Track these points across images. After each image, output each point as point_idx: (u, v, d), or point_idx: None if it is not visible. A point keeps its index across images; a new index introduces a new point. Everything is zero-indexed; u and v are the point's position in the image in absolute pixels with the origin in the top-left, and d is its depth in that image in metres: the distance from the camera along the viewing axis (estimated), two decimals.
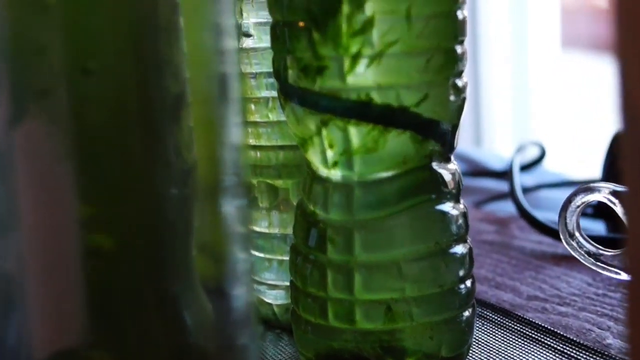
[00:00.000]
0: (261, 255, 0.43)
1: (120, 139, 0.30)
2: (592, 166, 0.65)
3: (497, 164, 0.77)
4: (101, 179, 0.31)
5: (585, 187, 0.41)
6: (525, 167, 0.71)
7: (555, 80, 1.76)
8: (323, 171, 0.37)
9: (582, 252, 0.41)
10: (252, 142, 0.43)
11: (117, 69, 0.30)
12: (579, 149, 1.73)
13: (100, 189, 0.31)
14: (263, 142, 0.43)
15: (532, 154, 0.74)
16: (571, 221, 0.41)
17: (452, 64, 0.36)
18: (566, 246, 0.42)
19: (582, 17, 1.99)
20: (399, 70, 0.35)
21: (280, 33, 0.36)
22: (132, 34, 0.30)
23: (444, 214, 0.37)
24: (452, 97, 0.36)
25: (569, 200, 0.41)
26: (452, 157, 0.38)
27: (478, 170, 0.75)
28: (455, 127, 0.37)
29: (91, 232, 0.30)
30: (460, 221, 0.38)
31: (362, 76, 0.35)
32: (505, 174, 0.67)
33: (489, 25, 1.73)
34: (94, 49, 0.29)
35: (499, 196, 0.67)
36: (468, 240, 0.39)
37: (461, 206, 0.38)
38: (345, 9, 0.35)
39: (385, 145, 0.36)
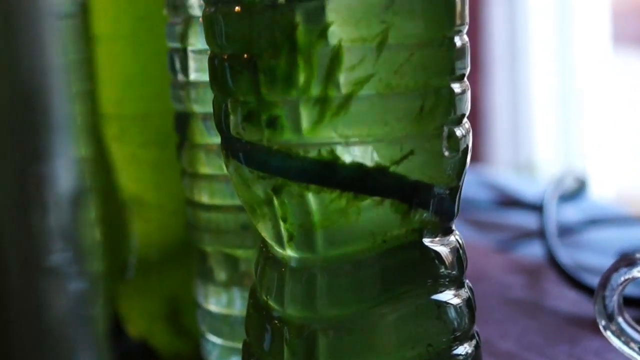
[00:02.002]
0: (219, 341, 0.34)
1: None
2: None
3: (532, 192, 0.67)
4: None
5: (628, 259, 0.31)
6: (566, 198, 0.61)
7: (606, 85, 1.64)
8: (277, 250, 0.28)
9: (626, 342, 0.32)
10: (204, 200, 0.34)
11: None
12: (632, 163, 1.62)
13: None
14: (218, 201, 0.34)
15: (576, 180, 0.64)
16: (611, 302, 0.32)
17: (446, 107, 0.27)
18: (604, 333, 0.32)
19: (632, 15, 1.87)
20: (373, 118, 0.26)
21: (219, 68, 0.27)
22: None
23: (442, 306, 0.28)
24: (447, 152, 0.27)
25: (607, 277, 0.31)
26: (453, 226, 0.29)
27: (508, 200, 0.65)
28: (454, 190, 0.28)
29: None
30: (464, 312, 0.29)
31: (324, 127, 0.26)
32: (540, 206, 0.57)
33: (529, 25, 1.63)
34: None
35: (530, 234, 0.57)
36: (475, 335, 0.29)
37: (465, 291, 0.29)
38: (301, 37, 0.26)
39: (357, 218, 0.27)
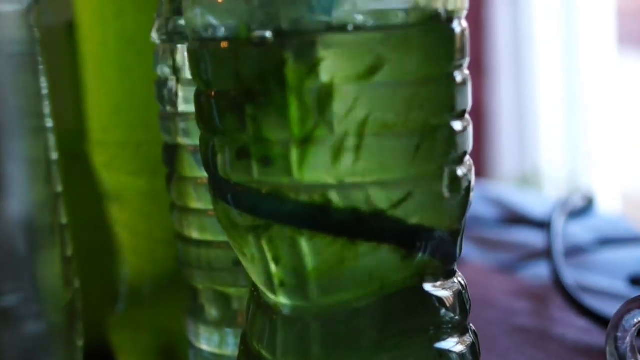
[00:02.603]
0: None
1: None
2: None
3: (538, 208, 0.65)
4: None
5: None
6: (574, 215, 0.59)
7: (611, 87, 1.62)
8: (269, 296, 0.26)
9: None
10: (195, 235, 0.32)
11: None
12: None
13: None
14: (208, 237, 0.32)
15: (583, 197, 0.62)
16: (624, 344, 0.30)
17: (446, 146, 0.25)
18: None
19: (638, 15, 1.85)
20: (368, 159, 0.24)
21: (206, 105, 0.26)
22: None
23: (444, 354, 0.26)
24: (448, 194, 0.25)
25: (619, 319, 0.30)
26: (456, 268, 0.28)
27: (513, 217, 0.64)
28: (456, 232, 0.26)
29: None
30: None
31: (316, 169, 0.24)
32: (547, 224, 0.56)
33: (533, 27, 1.61)
34: None
35: (536, 254, 0.56)
36: None
37: (469, 336, 0.27)
38: (291, 74, 0.24)
39: (353, 264, 0.25)
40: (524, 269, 0.54)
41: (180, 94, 0.31)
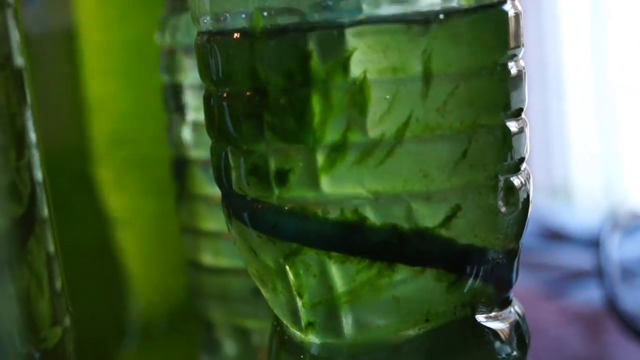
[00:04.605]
0: None
1: None
2: None
3: (577, 223, 0.61)
4: None
5: None
6: (622, 231, 0.55)
7: None
8: (294, 333, 0.23)
9: None
10: (208, 261, 0.29)
11: None
12: None
13: None
14: (224, 263, 0.29)
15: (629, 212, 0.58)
16: None
17: (500, 151, 0.21)
18: None
19: None
20: (409, 168, 0.21)
21: (216, 109, 0.22)
22: None
23: None
24: (503, 208, 0.22)
25: None
26: (512, 297, 0.24)
27: (552, 234, 0.59)
28: (512, 253, 0.23)
29: None
30: None
31: (347, 180, 0.21)
32: (591, 243, 0.52)
33: (560, 30, 1.57)
34: None
35: (583, 274, 0.51)
36: None
37: None
38: (316, 68, 0.20)
39: (392, 293, 0.21)
40: (571, 292, 0.50)
41: (190, 100, 0.28)
